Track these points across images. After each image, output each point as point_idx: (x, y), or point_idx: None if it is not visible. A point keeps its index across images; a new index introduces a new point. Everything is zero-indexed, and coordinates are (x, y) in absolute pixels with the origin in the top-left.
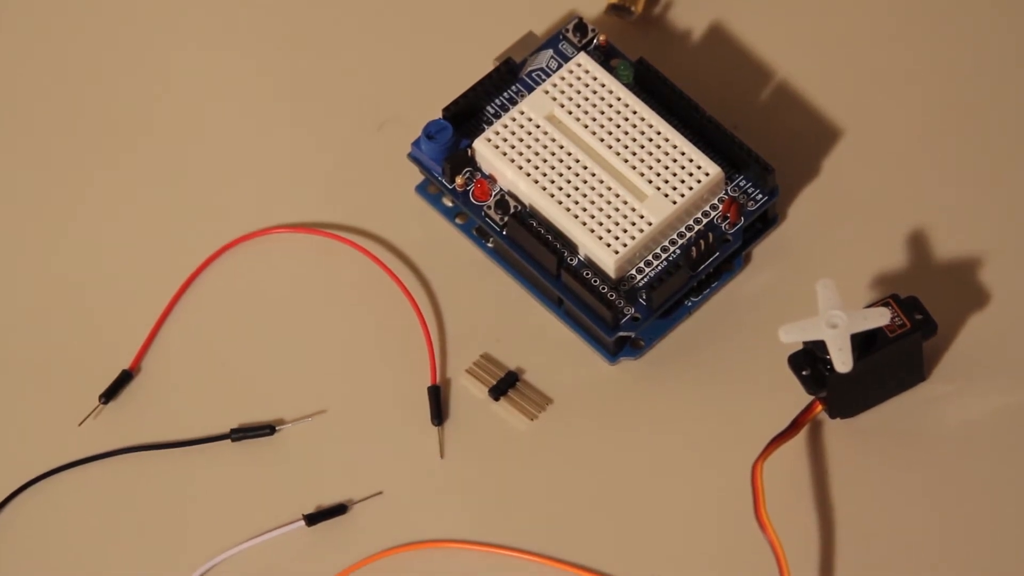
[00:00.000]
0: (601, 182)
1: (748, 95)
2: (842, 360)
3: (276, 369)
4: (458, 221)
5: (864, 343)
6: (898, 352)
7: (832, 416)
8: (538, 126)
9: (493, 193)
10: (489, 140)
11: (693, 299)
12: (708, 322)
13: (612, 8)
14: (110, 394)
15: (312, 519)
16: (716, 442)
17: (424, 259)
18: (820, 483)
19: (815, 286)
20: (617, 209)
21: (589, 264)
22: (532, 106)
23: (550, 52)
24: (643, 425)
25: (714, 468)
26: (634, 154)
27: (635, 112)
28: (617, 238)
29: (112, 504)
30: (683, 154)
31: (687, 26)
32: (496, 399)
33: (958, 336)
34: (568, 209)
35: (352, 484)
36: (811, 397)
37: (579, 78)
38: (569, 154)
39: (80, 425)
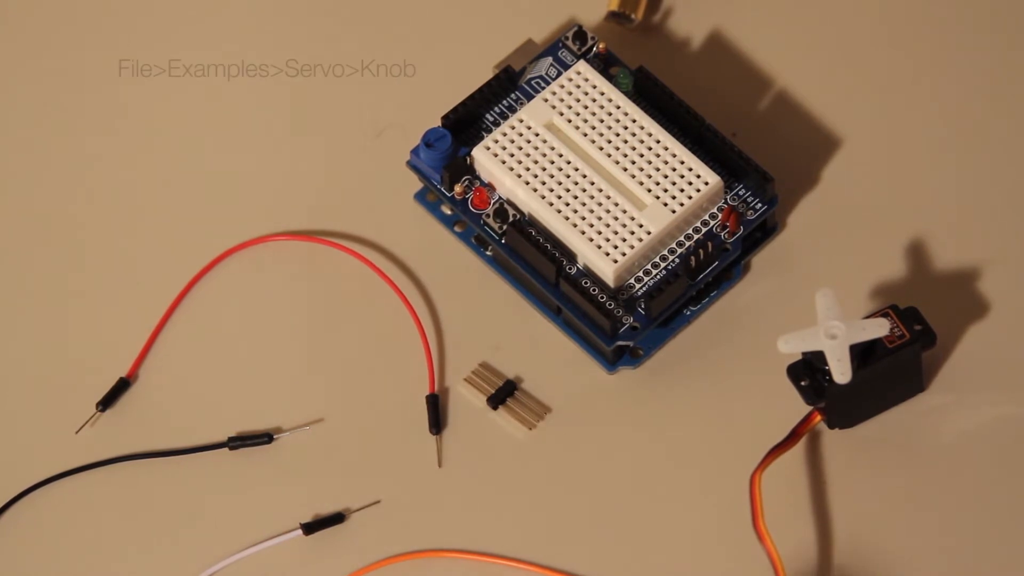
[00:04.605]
0: (600, 191)
1: (748, 104)
2: (841, 371)
3: (274, 377)
4: (457, 229)
5: (863, 353)
6: (897, 363)
7: (831, 426)
8: (537, 134)
9: (492, 201)
10: (488, 148)
11: (692, 308)
12: (707, 331)
13: (612, 15)
14: (107, 402)
15: (310, 528)
16: (715, 452)
17: (422, 267)
18: (818, 494)
19: (814, 296)
20: (616, 218)
21: (588, 273)
22: (531, 114)
23: (549, 60)
24: (641, 434)
25: (712, 478)
26: (633, 163)
27: (634, 120)
28: (616, 247)
29: (109, 513)
30: (682, 163)
31: (687, 34)
32: (494, 408)
33: (957, 347)
34: (567, 218)
35: (350, 493)
36: (810, 407)
37: (578, 86)
38: (568, 162)
39: (77, 433)
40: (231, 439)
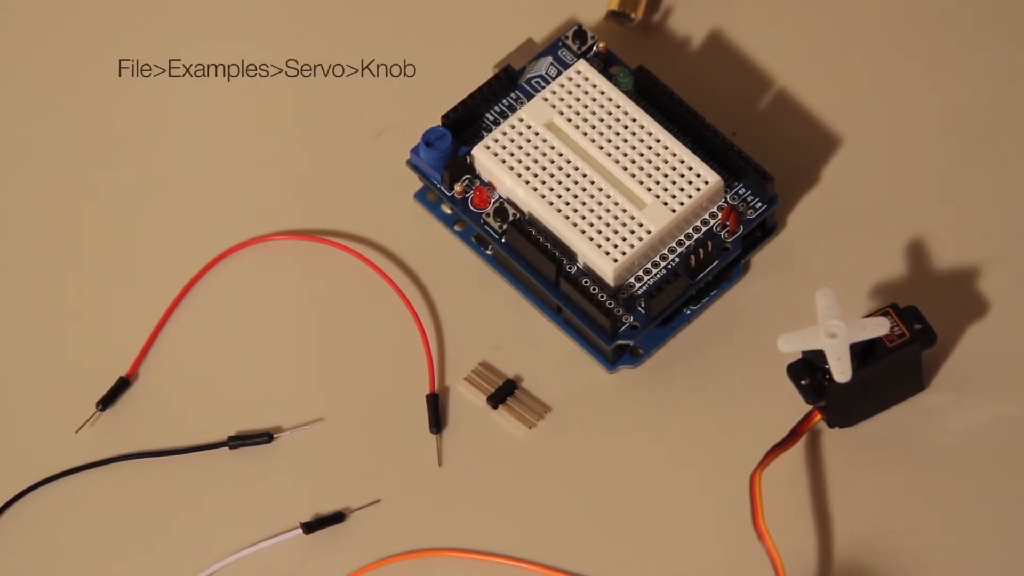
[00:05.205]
0: (600, 190)
1: (748, 103)
2: (841, 370)
3: (274, 376)
4: (457, 228)
5: (863, 352)
6: (897, 362)
7: (831, 425)
8: (537, 133)
9: (492, 200)
10: (488, 147)
11: (692, 307)
12: (707, 330)
13: (612, 14)
14: (107, 401)
15: (310, 527)
16: (715, 451)
17: (423, 266)
18: (818, 493)
19: (814, 295)
20: (616, 217)
21: (588, 272)
22: (531, 113)
23: (549, 59)
24: (641, 434)
25: (712, 477)
26: (633, 162)
27: (634, 120)
28: (616, 246)
29: (109, 512)
30: (682, 162)
31: (687, 33)
32: (494, 407)
33: (957, 346)
34: (567, 217)
35: (350, 492)
36: (810, 406)
37: (578, 85)
38: (568, 162)
39: (77, 432)
40: (231, 438)
